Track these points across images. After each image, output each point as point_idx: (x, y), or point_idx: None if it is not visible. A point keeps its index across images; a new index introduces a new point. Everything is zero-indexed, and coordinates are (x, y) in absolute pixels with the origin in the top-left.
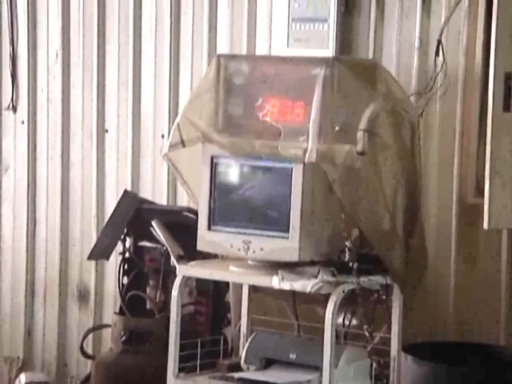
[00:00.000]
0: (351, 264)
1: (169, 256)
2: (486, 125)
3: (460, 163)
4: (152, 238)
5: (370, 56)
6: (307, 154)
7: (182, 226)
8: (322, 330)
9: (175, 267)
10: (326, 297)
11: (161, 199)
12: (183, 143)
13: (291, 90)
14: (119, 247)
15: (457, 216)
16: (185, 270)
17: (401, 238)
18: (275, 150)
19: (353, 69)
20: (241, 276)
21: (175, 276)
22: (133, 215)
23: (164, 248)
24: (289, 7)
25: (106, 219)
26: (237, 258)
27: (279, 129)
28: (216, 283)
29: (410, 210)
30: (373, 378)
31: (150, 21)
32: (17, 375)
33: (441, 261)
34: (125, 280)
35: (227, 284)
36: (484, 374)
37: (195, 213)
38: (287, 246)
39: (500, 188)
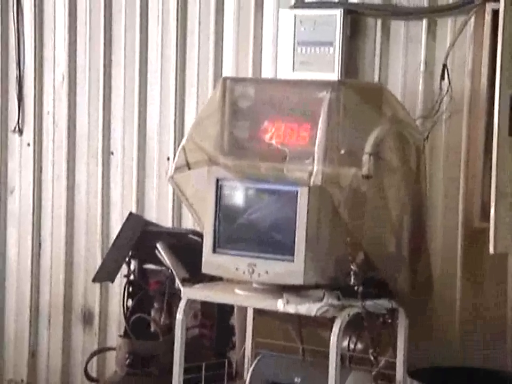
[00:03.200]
0: (356, 287)
1: (174, 278)
2: (491, 148)
3: (466, 186)
4: (157, 261)
5: (376, 79)
6: (313, 177)
7: (187, 249)
8: (327, 354)
9: (180, 290)
10: (331, 321)
11: (167, 222)
12: (188, 165)
13: (297, 113)
14: (124, 269)
15: (463, 240)
16: (190, 293)
17: (407, 262)
18: (281, 173)
19: (359, 92)
20: (246, 299)
21: (180, 299)
22: (138, 238)
23: (169, 270)
24: (295, 31)
25: (111, 241)
26: (242, 281)
27: (285, 152)
28: (221, 306)
29: (416, 234)
30: None
31: (156, 43)
32: None
33: (447, 285)
34: (130, 302)
35: (232, 307)
36: None
37: (200, 235)
38: (292, 269)
39: (505, 212)
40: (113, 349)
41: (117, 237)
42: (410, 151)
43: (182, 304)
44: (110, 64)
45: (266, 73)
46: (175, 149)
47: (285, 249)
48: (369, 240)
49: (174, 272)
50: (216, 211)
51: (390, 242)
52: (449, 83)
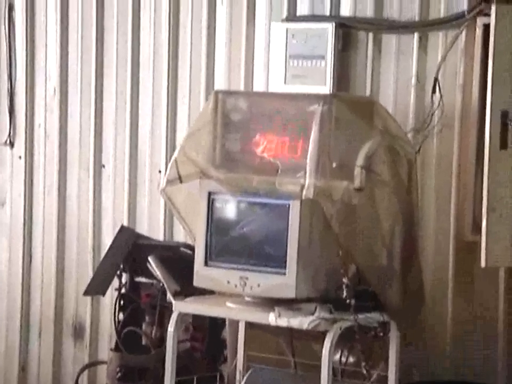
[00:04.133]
0: (348, 301)
1: (166, 292)
2: (482, 161)
3: (457, 200)
4: (149, 274)
5: (368, 93)
6: (304, 191)
7: (178, 262)
8: (319, 368)
9: (171, 303)
10: (323, 334)
11: (158, 235)
12: (180, 178)
13: (289, 127)
14: (115, 282)
15: (455, 253)
16: (181, 306)
17: (398, 274)
18: (272, 186)
19: (350, 105)
20: (238, 312)
21: (171, 312)
22: (130, 251)
23: (161, 284)
24: (286, 44)
25: (102, 254)
26: (234, 295)
27: (277, 165)
28: (213, 319)
29: (407, 247)
30: None
31: (148, 56)
32: None
33: (438, 298)
34: (121, 316)
35: (224, 320)
36: None
37: (192, 248)
38: (284, 283)
39: (496, 225)
40: (105, 362)
41: (108, 250)
42: (402, 164)
43: (173, 318)
44: (101, 77)
45: (258, 86)
46: (166, 161)
47: (276, 262)
48: (361, 253)
49: (165, 285)
50: (208, 224)
51: (381, 255)
52: (441, 96)
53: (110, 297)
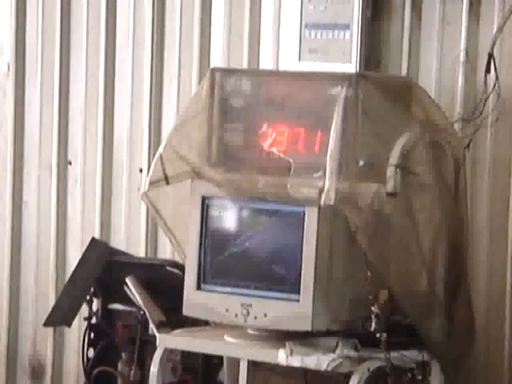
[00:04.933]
0: (378, 335)
1: (148, 322)
2: None
3: None
4: (126, 300)
5: (404, 72)
6: (323, 195)
7: (164, 284)
8: None
9: (154, 336)
10: (347, 377)
11: (138, 250)
12: (167, 179)
13: (304, 115)
14: (84, 310)
15: None
16: (167, 341)
17: (442, 304)
18: (283, 190)
19: (382, 88)
20: (239, 348)
21: (154, 348)
22: (102, 270)
23: (141, 312)
24: (301, 10)
25: (68, 275)
26: (234, 326)
27: (289, 163)
28: (207, 357)
29: (454, 269)
30: None
31: (126, 24)
32: None
33: (492, 334)
34: (91, 352)
35: (221, 358)
36: None
37: (181, 267)
38: (298, 312)
39: None
40: None
41: (75, 269)
42: (447, 163)
43: (157, 355)
44: (68, 52)
45: (266, 63)
46: (149, 158)
47: (288, 285)
48: (395, 276)
49: (147, 314)
50: (201, 237)
51: (421, 279)
52: (497, 77)
53: (77, 328)
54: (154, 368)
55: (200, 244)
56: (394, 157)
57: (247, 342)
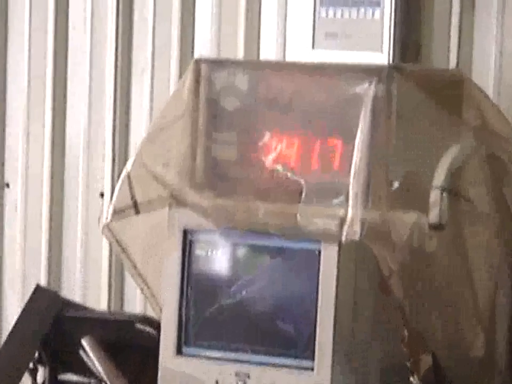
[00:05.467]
0: None
1: None
2: None
3: None
4: (82, 368)
5: (453, 64)
6: (345, 228)
7: (132, 347)
8: None
9: None
10: None
11: (98, 301)
12: (136, 207)
13: (318, 121)
14: (25, 382)
15: None
16: None
17: (503, 372)
18: (291, 220)
19: (423, 85)
20: None
21: None
22: (50, 328)
23: None
24: None
25: (4, 335)
26: None
27: (299, 186)
28: None
29: None
30: None
31: (82, 5)
32: None
33: None
34: None
35: None
36: None
37: (155, 325)
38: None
39: None
40: None
41: (15, 327)
42: (511, 185)
43: None
44: (4, 42)
45: (268, 52)
46: (113, 179)
47: (298, 349)
48: (441, 336)
49: None
50: (182, 284)
51: (477, 341)
52: None
53: None
54: None
55: (181, 293)
56: (439, 177)
57: None
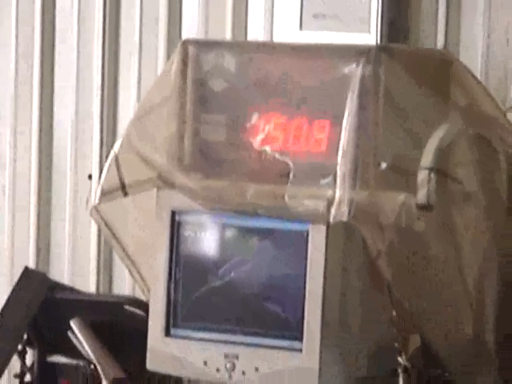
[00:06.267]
0: None
1: (100, 379)
2: None
3: None
4: (71, 350)
5: (440, 45)
6: (334, 209)
7: (121, 329)
8: None
9: None
10: None
11: (87, 283)
12: (124, 189)
13: (306, 102)
14: (15, 364)
15: None
16: None
17: (493, 354)
18: (279, 201)
19: (411, 66)
20: None
21: None
22: (39, 311)
23: (91, 366)
24: None
25: None
26: None
27: (287, 167)
28: None
29: (509, 308)
30: None
31: None
32: None
33: None
34: None
35: None
36: None
37: (144, 307)
38: (300, 365)
39: None
40: None
41: (3, 309)
42: (498, 165)
43: None
44: None
45: (255, 34)
46: (101, 161)
47: (287, 330)
48: (429, 317)
49: (99, 369)
50: (171, 266)
51: (465, 321)
52: None
53: None
54: None
55: (170, 275)
56: (427, 158)
57: None
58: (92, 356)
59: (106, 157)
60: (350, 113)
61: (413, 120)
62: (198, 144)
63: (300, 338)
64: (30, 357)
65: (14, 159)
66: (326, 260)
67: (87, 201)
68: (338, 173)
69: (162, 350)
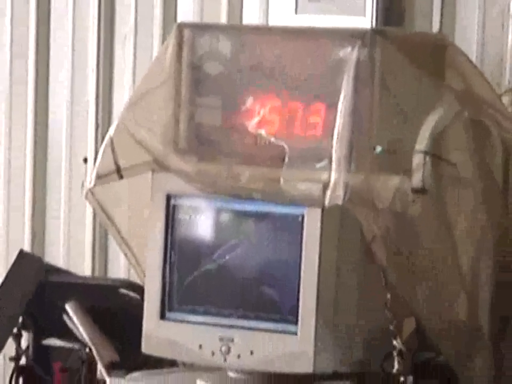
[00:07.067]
0: (402, 378)
1: (95, 363)
2: None
3: None
4: (66, 333)
5: (436, 29)
6: (329, 192)
7: (116, 312)
8: None
9: (104, 382)
10: None
11: (82, 267)
12: (119, 172)
13: (302, 86)
14: (10, 347)
15: None
16: None
17: (487, 338)
18: (275, 185)
19: (406, 49)
20: None
21: None
22: (34, 294)
23: (86, 349)
24: None
25: None
26: (210, 368)
27: (282, 150)
28: None
29: (503, 291)
30: None
31: None
32: None
33: None
34: None
35: None
36: None
37: (139, 290)
38: (295, 348)
39: None
40: None
41: None
42: (493, 149)
43: None
44: None
45: (251, 17)
46: (97, 144)
47: (282, 314)
48: (424, 300)
49: (94, 352)
50: (166, 249)
51: (459, 304)
52: None
53: (1, 371)
54: None
55: (165, 259)
56: (422, 141)
57: None
58: (87, 339)
59: (102, 140)
60: (346, 97)
61: (408, 104)
62: (193, 128)
63: (295, 321)
64: (25, 340)
65: (9, 141)
66: (321, 243)
67: (83, 185)
68: (334, 156)
69: (157, 333)
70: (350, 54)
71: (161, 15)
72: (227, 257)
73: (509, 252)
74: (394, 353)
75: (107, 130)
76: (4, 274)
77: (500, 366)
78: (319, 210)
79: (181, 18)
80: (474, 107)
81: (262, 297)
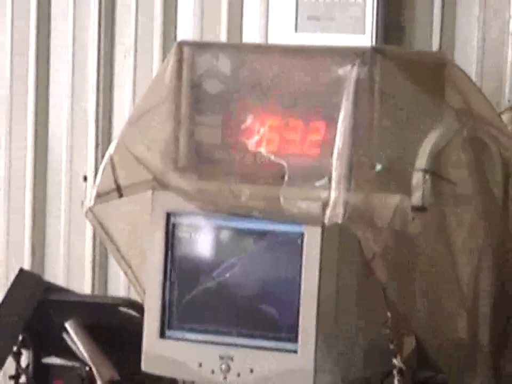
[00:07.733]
0: None
1: (95, 381)
2: None
3: None
4: (66, 351)
5: (435, 47)
6: (328, 211)
7: (116, 331)
8: None
9: None
10: None
11: (82, 285)
12: (119, 190)
13: (301, 104)
14: (10, 366)
15: None
16: None
17: (487, 355)
18: (275, 203)
19: (406, 67)
20: None
21: None
22: (34, 312)
23: (86, 368)
24: None
25: None
26: None
27: (282, 168)
28: None
29: (504, 308)
30: None
31: None
32: None
33: None
34: None
35: None
36: None
37: (139, 308)
38: (295, 367)
39: None
40: None
41: None
42: (493, 168)
43: None
44: None
45: (251, 35)
46: (97, 162)
47: (282, 332)
48: (424, 318)
49: (94, 371)
50: (165, 267)
51: (459, 322)
52: None
53: None
54: None
55: (164, 277)
56: (422, 159)
57: None
58: (86, 357)
59: (102, 159)
60: (345, 115)
61: (408, 122)
62: (193, 146)
63: (294, 339)
64: (25, 359)
65: (9, 160)
66: (321, 261)
67: (83, 203)
68: (333, 174)
69: (157, 351)
70: (349, 72)
71: (161, 33)
72: (227, 275)
73: (509, 264)
74: (394, 372)
75: (107, 149)
76: (3, 293)
77: (500, 381)
78: (319, 229)
79: (180, 36)
80: (474, 125)
81: (261, 315)
